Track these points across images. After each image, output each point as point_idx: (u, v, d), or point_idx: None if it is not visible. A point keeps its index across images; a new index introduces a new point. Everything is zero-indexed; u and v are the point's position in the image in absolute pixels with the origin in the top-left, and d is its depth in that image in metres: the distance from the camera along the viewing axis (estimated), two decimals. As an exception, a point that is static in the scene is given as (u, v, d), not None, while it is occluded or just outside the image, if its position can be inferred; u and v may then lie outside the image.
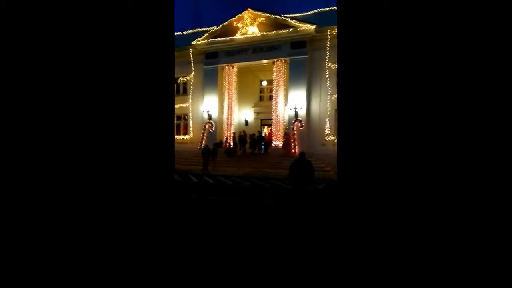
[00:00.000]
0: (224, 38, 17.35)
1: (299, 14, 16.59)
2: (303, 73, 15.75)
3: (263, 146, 17.17)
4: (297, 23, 15.61)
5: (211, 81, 18.06)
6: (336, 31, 14.88)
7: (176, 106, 19.30)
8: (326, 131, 15.24)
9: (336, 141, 14.90)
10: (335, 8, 15.83)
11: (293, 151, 14.83)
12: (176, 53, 18.86)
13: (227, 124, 17.85)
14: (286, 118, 16.17)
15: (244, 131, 18.11)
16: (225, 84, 17.80)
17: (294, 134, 15.31)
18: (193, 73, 18.71)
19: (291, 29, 15.66)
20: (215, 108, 17.93)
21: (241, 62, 17.49)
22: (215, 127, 17.62)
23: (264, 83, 19.00)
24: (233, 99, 17.97)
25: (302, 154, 7.33)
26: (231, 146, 17.23)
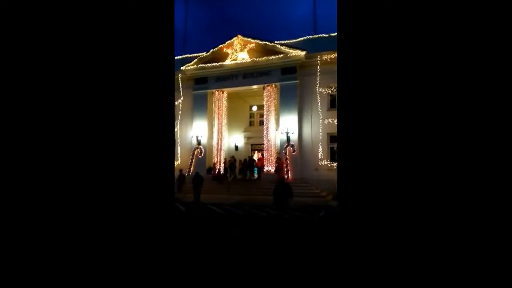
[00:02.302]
0: (214, 64, 17.29)
1: (288, 41, 16.85)
2: (294, 98, 15.73)
3: (255, 171, 16.68)
4: (287, 49, 15.82)
5: (200, 106, 17.78)
6: (326, 57, 15.17)
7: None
8: (319, 155, 15.00)
9: (329, 165, 14.71)
10: (324, 35, 16.28)
11: (285, 176, 14.38)
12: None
13: (217, 149, 17.35)
14: (278, 143, 15.89)
15: (233, 157, 17.65)
16: (215, 109, 17.52)
17: (286, 159, 14.97)
18: (181, 98, 18.41)
19: (281, 55, 15.81)
20: (204, 133, 17.50)
21: (231, 87, 17.37)
22: (205, 152, 17.08)
23: (254, 108, 18.86)
24: (223, 124, 17.63)
25: (281, 179, 9.00)
26: (221, 172, 16.65)
